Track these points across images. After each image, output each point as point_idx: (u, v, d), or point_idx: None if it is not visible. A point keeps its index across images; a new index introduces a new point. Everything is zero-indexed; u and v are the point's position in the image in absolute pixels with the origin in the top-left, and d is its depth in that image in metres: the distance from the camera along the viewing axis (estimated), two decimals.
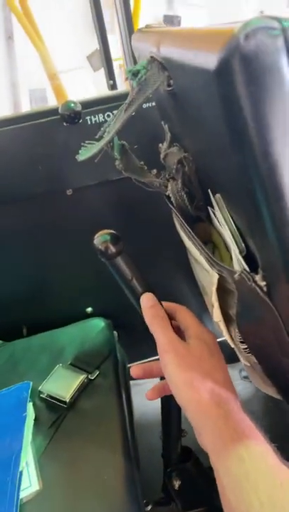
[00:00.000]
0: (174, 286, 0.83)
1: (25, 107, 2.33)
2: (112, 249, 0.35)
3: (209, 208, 0.41)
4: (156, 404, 0.89)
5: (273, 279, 0.26)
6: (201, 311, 0.86)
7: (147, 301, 0.41)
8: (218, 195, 0.37)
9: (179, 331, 0.41)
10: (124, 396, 0.66)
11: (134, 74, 0.32)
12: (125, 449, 0.56)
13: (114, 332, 0.78)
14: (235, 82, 0.16)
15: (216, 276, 0.33)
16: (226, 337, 0.36)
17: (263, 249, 0.26)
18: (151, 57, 0.31)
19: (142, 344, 0.67)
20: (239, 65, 0.16)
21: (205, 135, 0.28)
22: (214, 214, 0.40)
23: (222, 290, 0.34)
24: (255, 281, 0.26)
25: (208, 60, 0.18)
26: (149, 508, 0.66)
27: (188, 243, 0.40)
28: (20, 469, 0.51)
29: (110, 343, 0.74)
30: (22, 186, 0.67)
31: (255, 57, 0.15)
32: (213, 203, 0.39)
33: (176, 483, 0.69)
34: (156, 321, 0.39)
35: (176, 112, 0.35)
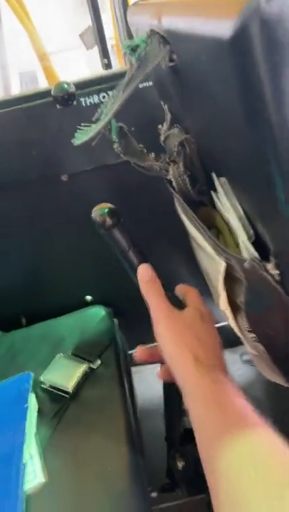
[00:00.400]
0: (173, 273, 0.82)
1: (16, 90, 2.26)
2: (109, 221, 0.38)
3: (212, 192, 0.40)
4: (158, 390, 0.90)
5: (287, 266, 0.25)
6: (204, 294, 0.86)
7: (143, 272, 0.41)
8: (223, 179, 0.35)
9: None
10: (126, 385, 0.65)
11: (133, 49, 0.29)
12: (129, 438, 0.56)
13: (115, 320, 0.78)
14: (253, 51, 0.14)
15: (223, 265, 0.31)
16: (232, 326, 0.35)
17: (277, 236, 0.24)
18: (152, 30, 0.29)
19: (143, 331, 0.66)
20: (259, 32, 0.14)
21: (211, 113, 0.26)
22: (218, 198, 0.38)
23: (229, 278, 0.33)
24: (266, 270, 0.25)
25: (222, 27, 0.16)
26: (154, 494, 0.66)
27: (191, 229, 0.38)
28: (23, 462, 0.51)
29: (111, 331, 0.73)
30: (15, 172, 0.64)
31: (278, 22, 0.13)
32: (217, 187, 0.37)
33: (180, 464, 0.69)
34: (152, 291, 0.40)
35: (178, 89, 0.32)
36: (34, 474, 0.50)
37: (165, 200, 0.73)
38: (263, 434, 0.29)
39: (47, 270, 0.79)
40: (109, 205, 0.39)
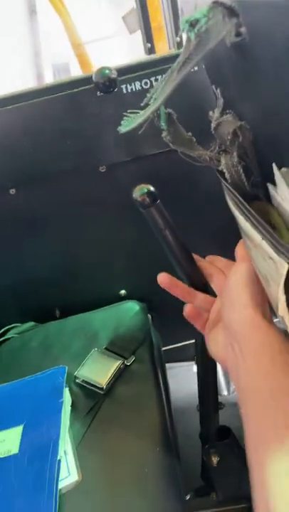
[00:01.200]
0: None
1: (48, 80, 2.28)
2: (147, 200, 0.40)
3: (269, 184, 0.36)
4: (191, 387, 0.87)
5: None
6: None
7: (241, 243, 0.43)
8: (284, 169, 0.32)
9: None
10: (161, 382, 0.63)
11: (192, 24, 0.26)
12: (165, 439, 0.54)
13: (148, 315, 0.76)
14: None
15: (285, 267, 0.28)
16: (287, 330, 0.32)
17: None
18: (214, 1, 0.26)
19: (176, 327, 0.64)
20: None
21: (282, 94, 0.23)
22: (276, 191, 0.35)
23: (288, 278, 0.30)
24: None
25: None
26: (188, 497, 0.64)
27: (244, 224, 0.35)
28: (58, 458, 0.50)
29: (145, 326, 0.71)
30: (55, 164, 0.63)
31: None
32: (276, 179, 0.34)
33: (215, 460, 0.68)
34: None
35: (239, 69, 0.29)
36: (68, 471, 0.49)
37: (201, 192, 0.69)
38: None
39: (82, 263, 0.77)
40: (148, 186, 0.41)
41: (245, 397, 0.32)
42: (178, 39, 0.29)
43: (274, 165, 0.32)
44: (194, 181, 0.67)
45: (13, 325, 0.78)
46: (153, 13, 0.76)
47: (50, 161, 0.63)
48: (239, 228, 0.40)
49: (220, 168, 0.38)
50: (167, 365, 0.74)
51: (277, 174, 0.33)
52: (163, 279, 0.44)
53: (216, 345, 0.40)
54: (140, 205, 0.41)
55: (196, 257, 0.46)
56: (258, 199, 0.38)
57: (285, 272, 0.28)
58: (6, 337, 0.75)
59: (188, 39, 0.27)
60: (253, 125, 0.34)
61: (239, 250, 0.42)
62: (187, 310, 0.45)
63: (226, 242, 0.45)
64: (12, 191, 0.65)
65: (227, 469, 0.66)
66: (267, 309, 0.36)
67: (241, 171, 0.36)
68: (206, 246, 0.77)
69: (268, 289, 0.34)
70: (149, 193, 0.41)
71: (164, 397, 0.61)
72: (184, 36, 0.28)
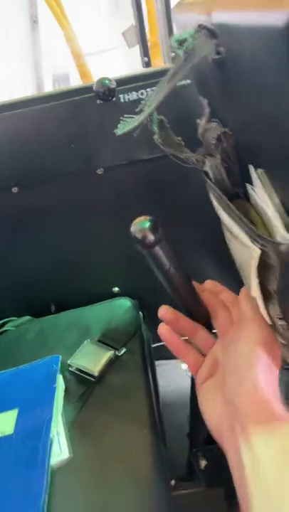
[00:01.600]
0: (203, 266, 0.83)
1: (48, 90, 2.33)
2: (152, 237, 0.32)
3: (247, 184, 0.41)
4: (179, 384, 0.90)
5: None
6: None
7: (245, 292, 0.40)
8: (260, 170, 0.36)
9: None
10: (150, 373, 0.67)
11: (181, 43, 0.31)
12: (152, 424, 0.57)
13: (140, 312, 0.79)
14: None
15: (257, 252, 0.32)
16: (262, 313, 0.36)
17: None
18: (200, 25, 0.30)
19: None
20: None
21: (257, 103, 0.28)
22: (254, 190, 0.39)
23: (262, 266, 0.34)
24: None
25: (275, 17, 0.18)
26: (173, 482, 0.67)
27: (225, 218, 0.40)
28: (51, 437, 0.53)
29: (136, 322, 0.75)
30: (56, 165, 0.67)
31: None
32: (253, 179, 0.38)
33: (202, 463, 0.70)
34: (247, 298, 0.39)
35: (220, 83, 0.34)
36: (60, 449, 0.53)
37: (194, 196, 0.74)
38: None
39: (77, 261, 0.81)
40: (148, 217, 0.33)
41: (249, 491, 0.29)
42: (173, 54, 0.33)
43: (251, 166, 0.37)
44: (186, 185, 0.72)
45: (9, 318, 0.82)
46: (151, 31, 0.81)
47: (51, 162, 0.67)
48: (222, 224, 0.45)
49: (205, 169, 0.42)
50: (157, 362, 0.77)
51: (253, 175, 0.37)
52: (165, 313, 0.40)
53: (211, 408, 0.36)
54: (139, 243, 0.33)
55: (197, 286, 0.41)
56: (238, 197, 0.43)
57: (256, 256, 0.33)
58: (2, 329, 0.79)
59: (178, 55, 0.32)
60: (235, 132, 0.39)
61: (245, 301, 0.38)
62: (169, 337, 0.40)
63: (219, 244, 0.49)
64: (14, 190, 0.69)
65: (214, 470, 0.69)
66: (276, 386, 0.32)
67: (223, 171, 0.41)
68: (199, 248, 0.82)
69: (244, 275, 0.38)
70: (152, 227, 0.33)
71: (152, 386, 0.64)
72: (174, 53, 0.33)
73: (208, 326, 0.42)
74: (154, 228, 0.33)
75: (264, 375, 0.32)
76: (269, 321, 0.37)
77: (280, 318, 0.35)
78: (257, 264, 0.33)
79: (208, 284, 0.43)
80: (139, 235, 0.33)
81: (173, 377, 0.96)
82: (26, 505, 0.46)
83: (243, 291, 0.39)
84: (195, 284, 0.41)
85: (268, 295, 0.35)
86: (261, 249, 0.32)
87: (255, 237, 0.33)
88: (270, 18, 0.18)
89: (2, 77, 1.99)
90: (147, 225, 0.33)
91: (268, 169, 0.33)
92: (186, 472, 0.71)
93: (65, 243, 0.78)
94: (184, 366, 0.87)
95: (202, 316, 0.41)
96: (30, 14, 2.37)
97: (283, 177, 0.29)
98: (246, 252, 0.35)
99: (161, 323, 0.41)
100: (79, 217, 0.75)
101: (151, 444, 0.55)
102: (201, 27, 0.30)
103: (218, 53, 0.29)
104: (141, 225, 0.33)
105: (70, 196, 0.72)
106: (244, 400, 0.31)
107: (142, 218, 0.33)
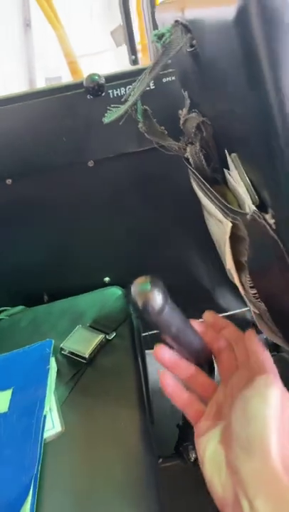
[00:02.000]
0: (190, 256, 0.87)
1: None
2: (154, 304, 0.26)
3: (225, 169, 0.44)
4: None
5: (282, 219, 0.29)
6: (215, 281, 0.90)
7: (254, 334, 0.37)
8: (234, 154, 0.40)
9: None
10: (139, 357, 0.70)
11: (159, 37, 0.35)
12: (141, 403, 0.60)
13: None
14: (251, 25, 0.19)
15: (229, 225, 0.36)
16: (237, 284, 0.39)
17: (274, 193, 0.29)
18: (176, 21, 0.34)
19: None
20: (254, 10, 0.19)
21: (224, 91, 0.31)
22: (229, 174, 0.43)
23: (234, 239, 0.38)
24: (265, 219, 0.29)
25: (228, 11, 0.21)
26: (160, 460, 0.70)
27: (204, 200, 0.43)
28: (44, 413, 0.56)
29: (127, 309, 0.78)
30: (48, 158, 0.70)
31: (267, 2, 0.18)
32: (229, 164, 0.42)
33: (192, 456, 0.73)
34: (265, 351, 0.35)
35: (196, 74, 0.38)
36: (52, 424, 0.55)
37: (180, 187, 0.78)
38: None
39: (69, 251, 0.84)
40: (147, 278, 0.27)
41: None
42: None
43: (226, 150, 0.40)
44: (173, 176, 0.75)
45: (3, 308, 0.84)
46: (141, 34, 0.85)
47: (43, 155, 0.70)
48: (202, 206, 0.48)
49: (186, 156, 0.46)
50: (147, 351, 0.80)
51: (229, 159, 0.41)
52: (162, 356, 0.35)
53: (215, 476, 0.31)
54: (144, 312, 0.26)
55: (197, 324, 0.37)
56: (217, 183, 0.46)
57: (228, 230, 0.36)
58: None
59: (157, 48, 0.36)
60: (212, 120, 0.43)
61: (252, 344, 0.35)
62: (172, 390, 0.35)
63: (203, 230, 0.53)
64: (8, 181, 0.72)
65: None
66: (288, 454, 0.29)
67: (202, 158, 0.44)
68: (185, 236, 0.85)
69: (220, 252, 0.41)
70: (158, 290, 0.26)
71: (141, 368, 0.67)
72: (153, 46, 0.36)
73: (210, 366, 0.38)
74: (159, 290, 0.26)
75: (277, 446, 0.28)
76: (242, 292, 0.40)
77: (251, 287, 0.38)
78: (229, 235, 0.37)
79: (209, 317, 0.39)
80: (139, 302, 0.26)
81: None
82: (21, 473, 0.49)
83: (250, 332, 0.36)
84: (194, 322, 0.37)
85: (240, 266, 0.39)
86: (232, 222, 0.35)
87: (227, 211, 0.36)
88: (225, 12, 0.22)
89: None
90: (148, 287, 0.26)
91: (239, 153, 0.37)
92: (172, 454, 0.74)
93: (58, 234, 0.82)
94: None
95: (205, 360, 0.37)
96: (23, 17, 2.40)
97: (250, 158, 0.33)
98: (221, 228, 0.39)
99: (162, 372, 0.36)
100: (71, 208, 0.78)
101: (139, 419, 0.58)
102: (176, 23, 0.34)
103: (191, 46, 0.33)
104: (141, 287, 0.26)
105: (62, 188, 0.75)
106: (252, 475, 0.28)
107: (140, 280, 0.27)
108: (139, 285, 0.27)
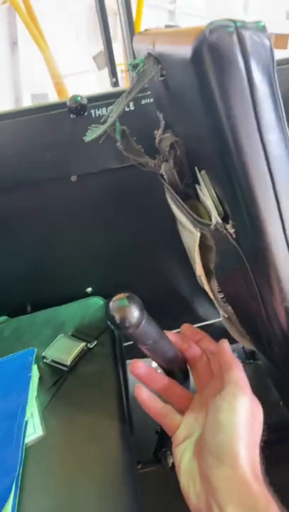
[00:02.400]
0: (168, 267, 0.90)
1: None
2: (135, 317, 0.28)
3: (196, 185, 0.48)
4: None
5: (241, 228, 0.33)
6: (193, 292, 0.94)
7: (226, 344, 0.39)
8: (203, 172, 0.44)
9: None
10: (120, 365, 0.72)
11: (134, 66, 0.39)
12: (120, 410, 0.62)
13: None
14: (204, 63, 0.23)
15: (198, 235, 0.39)
16: (206, 289, 0.43)
17: (231, 203, 0.32)
18: (148, 53, 0.38)
19: None
20: (206, 51, 0.23)
21: (191, 116, 0.35)
22: (200, 189, 0.47)
23: (203, 248, 0.41)
24: (226, 229, 0.33)
25: (186, 50, 0.25)
26: (139, 466, 0.72)
27: (177, 213, 0.47)
28: (25, 419, 0.58)
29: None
30: (32, 171, 0.74)
31: (216, 46, 0.22)
32: (199, 179, 0.46)
33: (170, 462, 0.75)
34: (236, 360, 0.37)
35: (168, 99, 0.42)
36: (34, 429, 0.57)
37: (160, 202, 0.82)
38: None
39: (52, 263, 0.87)
40: (125, 294, 0.30)
41: None
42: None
43: (196, 168, 0.44)
44: (150, 192, 0.80)
45: None
46: (123, 55, 0.90)
47: (28, 169, 0.74)
48: (176, 220, 0.52)
49: (161, 172, 0.50)
50: (127, 361, 0.82)
51: (198, 175, 0.45)
52: (137, 370, 0.38)
53: (190, 484, 0.32)
54: (121, 326, 0.29)
55: (174, 335, 0.39)
56: (189, 197, 0.50)
57: (198, 239, 0.40)
58: None
59: (132, 76, 0.40)
60: (184, 140, 0.47)
61: (225, 354, 0.37)
62: (148, 404, 0.38)
63: (178, 241, 0.56)
64: None
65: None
66: (257, 461, 0.30)
67: (176, 174, 0.48)
68: (165, 250, 0.89)
69: (192, 261, 0.45)
70: (134, 306, 0.29)
71: (121, 375, 0.69)
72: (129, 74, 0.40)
73: (184, 374, 0.40)
74: (136, 306, 0.29)
75: (245, 453, 0.29)
76: (212, 296, 0.44)
77: (219, 291, 0.41)
78: (198, 243, 0.41)
79: (187, 330, 0.41)
80: (117, 317, 0.29)
81: None
82: (2, 476, 0.50)
83: (223, 343, 0.38)
84: (170, 334, 0.38)
85: (209, 273, 0.42)
86: (201, 232, 0.39)
87: (196, 222, 0.40)
88: (184, 51, 0.26)
89: None
90: (126, 302, 0.29)
91: (207, 169, 0.41)
92: (151, 459, 0.76)
93: (41, 245, 0.84)
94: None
95: (179, 369, 0.39)
96: (9, 36, 2.46)
97: (214, 175, 0.37)
98: (191, 237, 0.43)
99: (137, 386, 0.38)
100: (53, 220, 0.81)
101: (119, 427, 0.60)
102: (149, 55, 0.38)
103: (162, 75, 0.37)
104: (120, 302, 0.29)
105: (45, 201, 0.78)
106: (222, 482, 0.29)
107: (117, 297, 0.30)
108: (118, 301, 0.29)
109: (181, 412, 0.38)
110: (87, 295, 0.88)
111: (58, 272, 0.87)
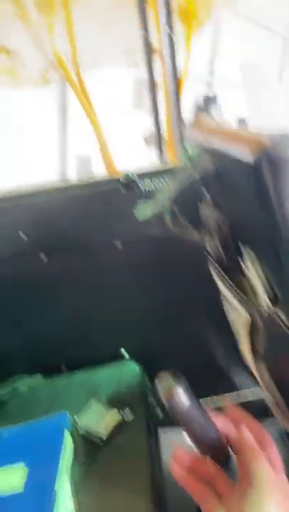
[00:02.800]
0: (205, 334, 0.89)
1: (72, 171, 2.57)
2: (183, 401, 0.27)
3: (240, 259, 0.50)
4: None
5: None
6: (228, 360, 0.91)
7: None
8: (249, 250, 0.46)
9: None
10: (153, 439, 0.69)
11: (190, 159, 0.43)
12: (152, 494, 0.59)
13: (146, 378, 0.84)
14: (263, 172, 0.26)
15: (248, 317, 0.40)
16: (253, 370, 0.42)
17: (282, 290, 0.33)
18: (203, 148, 0.42)
19: None
20: (266, 163, 0.26)
21: (239, 200, 0.38)
22: (245, 264, 0.48)
23: (252, 329, 0.41)
24: (278, 315, 0.33)
25: (248, 157, 0.28)
26: None
27: (224, 289, 0.48)
28: (55, 493, 0.56)
29: (143, 386, 0.79)
30: (80, 237, 0.78)
31: (276, 161, 0.25)
32: (244, 255, 0.47)
33: None
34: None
35: (216, 182, 0.45)
36: (64, 505, 0.54)
37: (199, 271, 0.83)
38: None
39: (89, 324, 0.88)
40: (171, 374, 0.29)
41: None
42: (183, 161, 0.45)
43: (242, 246, 0.46)
44: (191, 262, 0.81)
45: (20, 375, 0.86)
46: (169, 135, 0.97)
47: (77, 235, 0.78)
48: (220, 293, 0.53)
49: (207, 248, 0.52)
50: (162, 429, 0.79)
51: (244, 252, 0.46)
52: (180, 459, 0.36)
53: None
54: (174, 410, 0.29)
55: (218, 419, 0.37)
56: (232, 270, 0.51)
57: (247, 322, 0.40)
58: (14, 384, 0.83)
59: (187, 166, 0.44)
60: (230, 219, 0.49)
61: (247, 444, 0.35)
62: (187, 481, 0.36)
63: (221, 312, 0.56)
64: (42, 257, 0.79)
65: None
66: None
67: (221, 250, 0.50)
68: (202, 317, 0.88)
69: (238, 337, 0.45)
70: (181, 387, 0.28)
71: (154, 454, 0.66)
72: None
73: (225, 457, 0.38)
74: (183, 388, 0.28)
75: None
76: (259, 378, 0.43)
77: (267, 376, 0.41)
78: (248, 327, 0.41)
79: (232, 412, 0.39)
80: (166, 398, 0.27)
81: (177, 444, 0.96)
82: None
83: (242, 429, 0.36)
84: (215, 417, 0.36)
85: (256, 355, 0.42)
86: (250, 314, 0.39)
87: (244, 304, 0.40)
88: (245, 155, 0.29)
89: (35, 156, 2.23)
90: (173, 382, 0.28)
91: (254, 250, 0.42)
92: None
93: (80, 307, 0.86)
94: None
95: (220, 452, 0.37)
96: (61, 104, 2.68)
97: (262, 257, 0.38)
98: (239, 317, 0.43)
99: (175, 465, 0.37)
100: (94, 283, 0.84)
101: (152, 509, 0.56)
102: (204, 149, 0.42)
103: (213, 167, 0.40)
104: (167, 385, 0.27)
105: (88, 264, 0.82)
106: None
107: (162, 374, 0.29)
108: (165, 385, 0.28)
109: (220, 498, 0.37)
110: (122, 357, 0.88)
111: (93, 333, 0.88)
